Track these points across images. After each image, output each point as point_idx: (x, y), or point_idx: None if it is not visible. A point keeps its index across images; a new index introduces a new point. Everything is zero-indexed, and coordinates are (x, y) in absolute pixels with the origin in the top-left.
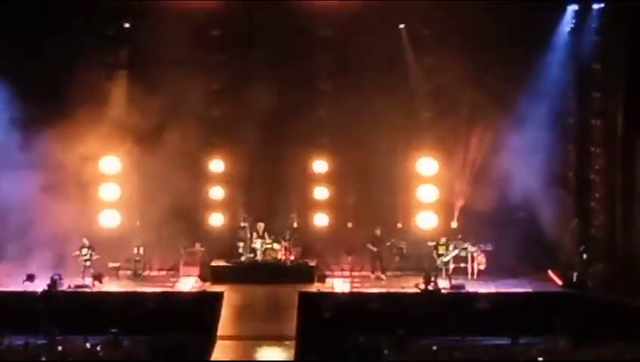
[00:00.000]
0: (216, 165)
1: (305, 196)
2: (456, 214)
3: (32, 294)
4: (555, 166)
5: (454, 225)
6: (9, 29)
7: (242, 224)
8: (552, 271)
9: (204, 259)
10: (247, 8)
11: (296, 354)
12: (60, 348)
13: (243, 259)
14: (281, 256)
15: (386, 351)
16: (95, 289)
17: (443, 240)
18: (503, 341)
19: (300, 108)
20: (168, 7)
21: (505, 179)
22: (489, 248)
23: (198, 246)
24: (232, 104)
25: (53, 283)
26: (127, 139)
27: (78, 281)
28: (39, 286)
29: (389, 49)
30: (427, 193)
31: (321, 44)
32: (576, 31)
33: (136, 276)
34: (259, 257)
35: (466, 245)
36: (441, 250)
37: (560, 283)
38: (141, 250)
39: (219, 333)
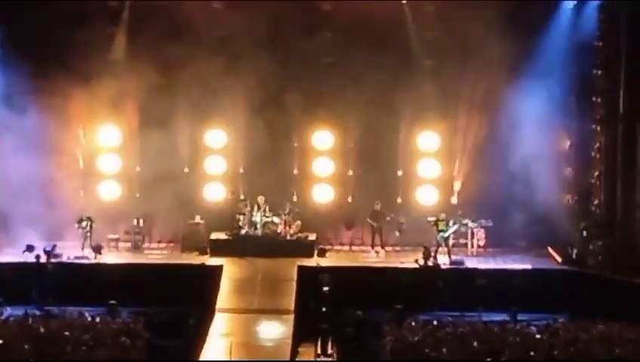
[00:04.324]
0: (217, 137)
1: (306, 170)
2: (456, 190)
3: (30, 265)
4: (557, 143)
5: (454, 200)
6: None
7: (242, 197)
8: (552, 247)
9: (204, 231)
10: None
11: (294, 327)
12: (57, 319)
13: (243, 232)
14: (280, 229)
15: (384, 326)
16: (94, 261)
17: (443, 215)
18: (502, 317)
19: (302, 81)
20: None
21: (506, 155)
22: (489, 224)
23: (198, 218)
24: (234, 77)
25: (46, 254)
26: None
27: (78, 252)
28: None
29: (392, 23)
30: (428, 168)
31: (323, 18)
32: (578, 8)
33: (135, 248)
34: (259, 231)
35: (466, 221)
36: (441, 226)
37: (559, 259)
38: (141, 222)
39: (218, 306)
